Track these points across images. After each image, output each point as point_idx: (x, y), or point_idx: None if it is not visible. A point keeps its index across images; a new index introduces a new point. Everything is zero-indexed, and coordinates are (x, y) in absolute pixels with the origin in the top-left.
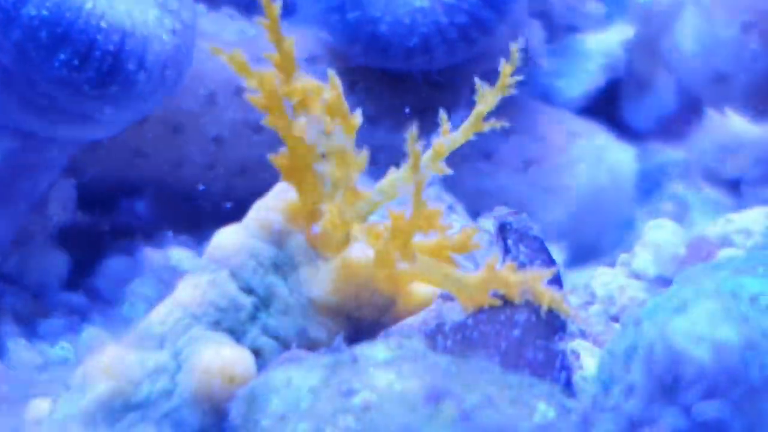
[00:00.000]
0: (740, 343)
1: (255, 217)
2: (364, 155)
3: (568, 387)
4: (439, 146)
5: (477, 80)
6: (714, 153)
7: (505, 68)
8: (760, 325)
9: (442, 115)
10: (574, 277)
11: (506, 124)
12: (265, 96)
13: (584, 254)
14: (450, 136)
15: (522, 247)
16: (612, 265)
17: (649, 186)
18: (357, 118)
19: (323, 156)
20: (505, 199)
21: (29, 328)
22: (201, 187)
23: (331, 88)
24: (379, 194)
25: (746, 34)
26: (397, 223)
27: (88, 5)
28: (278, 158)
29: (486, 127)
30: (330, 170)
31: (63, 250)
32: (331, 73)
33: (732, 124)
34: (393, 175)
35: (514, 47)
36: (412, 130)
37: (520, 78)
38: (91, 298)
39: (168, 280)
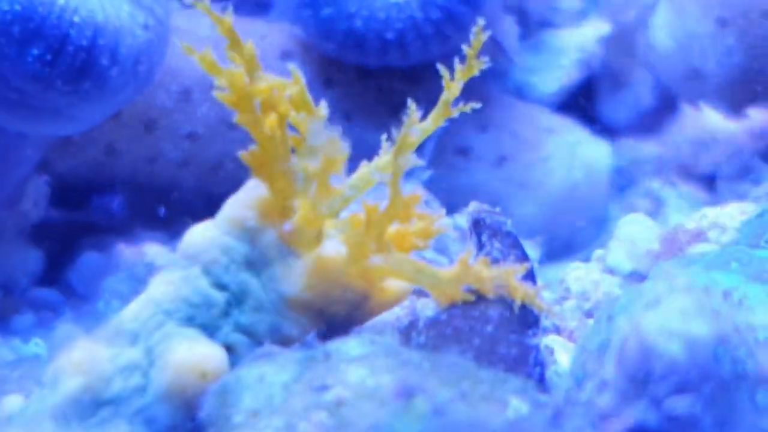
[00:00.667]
0: (712, 338)
1: (227, 214)
2: (344, 154)
3: (542, 382)
4: (409, 136)
5: (440, 67)
6: (689, 148)
7: (470, 51)
8: (732, 320)
9: (411, 105)
10: (548, 273)
11: (476, 105)
12: (235, 94)
13: (559, 250)
14: (420, 125)
15: (495, 243)
16: (586, 260)
17: (624, 182)
18: (322, 110)
19: (293, 152)
20: (480, 194)
21: (1, 324)
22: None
23: (294, 83)
24: (351, 189)
25: (721, 29)
26: (371, 215)
27: (61, 0)
28: (249, 155)
29: (455, 113)
30: (304, 166)
31: (36, 247)
32: (293, 67)
33: (707, 120)
34: (365, 169)
35: (478, 29)
36: (412, 112)
37: (485, 61)
38: (64, 295)
39: (142, 276)
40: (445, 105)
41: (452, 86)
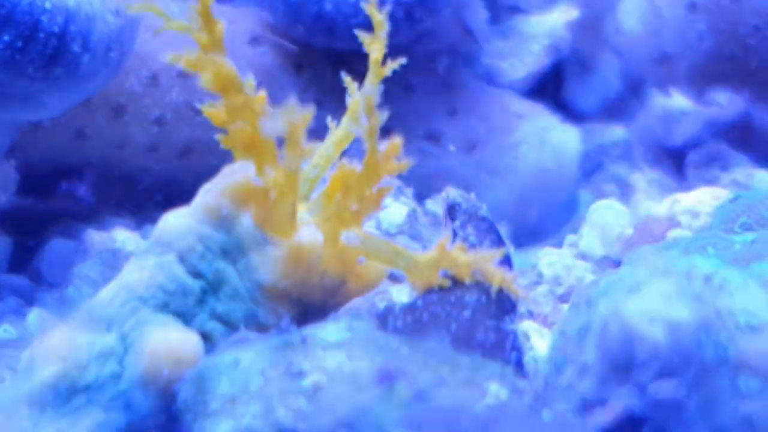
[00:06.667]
0: (694, 323)
1: (202, 202)
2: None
3: (520, 368)
4: (369, 95)
5: (358, 32)
6: (657, 124)
7: (370, 8)
8: (713, 305)
9: (346, 77)
10: (518, 258)
11: (402, 61)
12: (221, 82)
13: (529, 235)
14: (359, 92)
15: (471, 228)
16: (556, 245)
17: (592, 166)
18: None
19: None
20: (450, 180)
21: None
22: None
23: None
24: (314, 169)
25: (692, 14)
26: (349, 178)
27: None
28: (228, 138)
29: (387, 71)
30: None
31: (3, 233)
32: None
33: (676, 104)
34: (323, 148)
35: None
36: (347, 77)
37: (387, 11)
38: (34, 281)
39: (112, 262)
40: (375, 65)
41: (375, 46)
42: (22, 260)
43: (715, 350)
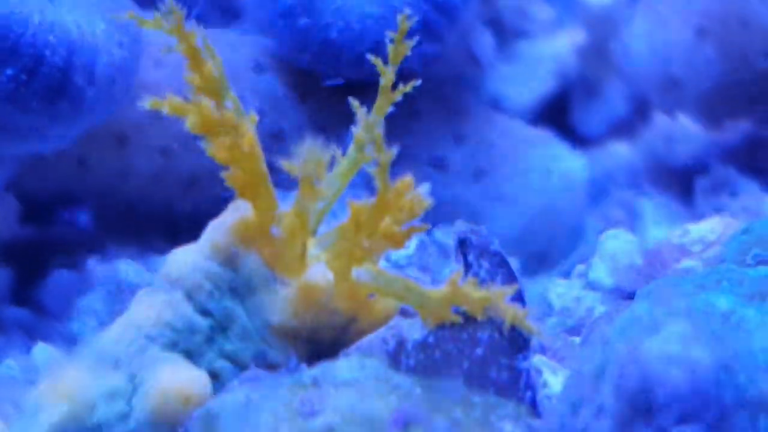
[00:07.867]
0: (713, 364)
1: (210, 239)
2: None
3: (534, 406)
4: (374, 128)
5: (370, 57)
6: (664, 151)
7: (397, 36)
8: (732, 345)
9: (354, 102)
10: (527, 288)
11: (416, 82)
12: (206, 125)
13: (536, 263)
14: (367, 119)
15: (483, 263)
16: (563, 273)
17: (599, 191)
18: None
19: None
20: (456, 209)
21: None
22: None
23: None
24: (334, 181)
25: (700, 39)
26: (360, 215)
27: (36, 18)
28: (231, 177)
29: (396, 96)
30: (289, 166)
31: (4, 265)
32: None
33: (683, 127)
34: (329, 179)
35: (403, 17)
36: (356, 103)
37: (414, 41)
38: (36, 314)
39: (116, 294)
40: (385, 91)
41: (386, 72)
42: (24, 292)
43: (734, 391)
